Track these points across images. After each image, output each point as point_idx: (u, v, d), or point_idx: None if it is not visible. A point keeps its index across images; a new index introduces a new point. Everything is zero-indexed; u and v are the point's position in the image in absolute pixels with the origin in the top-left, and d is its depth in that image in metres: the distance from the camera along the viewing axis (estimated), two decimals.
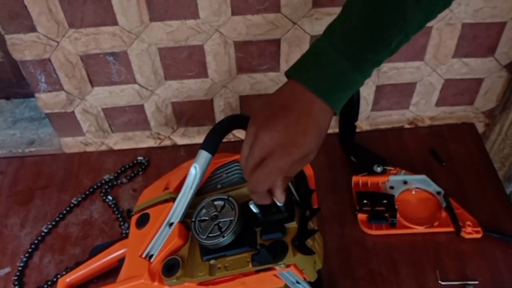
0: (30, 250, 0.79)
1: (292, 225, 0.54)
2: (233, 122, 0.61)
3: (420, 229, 0.76)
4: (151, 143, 0.95)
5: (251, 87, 0.86)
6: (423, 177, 0.81)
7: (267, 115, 0.50)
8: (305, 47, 0.80)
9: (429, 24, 0.78)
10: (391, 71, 0.85)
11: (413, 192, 0.81)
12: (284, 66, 0.82)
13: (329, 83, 0.50)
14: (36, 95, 0.84)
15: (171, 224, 0.60)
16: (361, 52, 0.50)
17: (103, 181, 0.88)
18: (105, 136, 0.93)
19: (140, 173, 0.89)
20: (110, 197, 0.85)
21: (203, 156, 0.58)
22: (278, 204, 0.53)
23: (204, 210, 0.59)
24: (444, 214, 0.77)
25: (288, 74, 0.52)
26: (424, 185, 0.81)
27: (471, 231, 0.75)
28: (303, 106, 0.49)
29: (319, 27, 0.77)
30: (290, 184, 0.55)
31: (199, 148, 0.59)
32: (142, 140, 0.94)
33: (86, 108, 0.87)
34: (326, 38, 0.51)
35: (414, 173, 0.82)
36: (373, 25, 0.50)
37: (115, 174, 0.89)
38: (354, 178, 0.82)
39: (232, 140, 0.92)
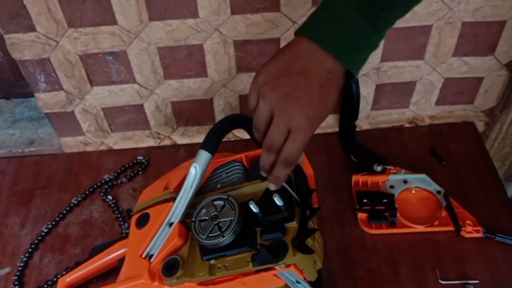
0: (30, 250, 0.79)
1: (292, 225, 0.54)
2: (233, 121, 0.61)
3: (420, 228, 0.76)
4: (151, 142, 0.95)
5: None
6: (423, 176, 0.81)
7: (287, 82, 0.48)
8: None
9: (429, 23, 0.78)
10: (391, 70, 0.85)
11: (413, 191, 0.81)
12: None
13: (348, 45, 0.48)
14: (36, 94, 0.84)
15: (171, 224, 0.60)
16: (376, 9, 0.48)
17: (103, 181, 0.88)
18: (105, 136, 0.93)
19: (140, 172, 0.89)
20: (110, 197, 0.85)
21: (203, 155, 0.58)
22: (287, 187, 0.53)
23: (204, 210, 0.59)
24: (444, 213, 0.77)
25: (301, 32, 0.49)
26: (424, 184, 0.81)
27: (471, 230, 0.75)
28: (323, 73, 0.48)
29: None
30: (289, 184, 0.55)
31: (199, 148, 0.59)
32: (142, 140, 0.94)
33: (86, 107, 0.87)
34: None
35: (414, 172, 0.82)
36: None
37: (115, 174, 0.89)
38: (354, 178, 0.82)
39: (232, 139, 0.92)
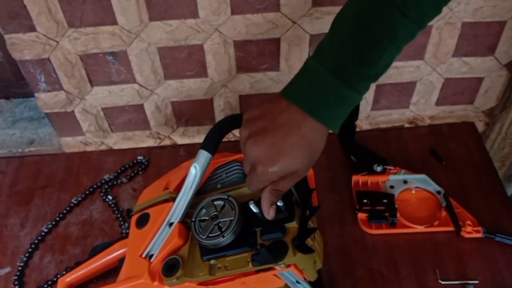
0: (30, 250, 0.79)
1: (292, 225, 0.54)
2: (233, 121, 0.61)
3: (420, 228, 0.76)
4: (151, 142, 0.95)
5: (251, 86, 0.86)
6: (423, 176, 0.81)
7: (258, 127, 0.51)
8: (305, 46, 0.80)
9: (429, 23, 0.78)
10: (391, 70, 0.85)
11: (413, 192, 0.81)
12: (284, 65, 0.82)
13: (319, 100, 0.49)
14: (36, 94, 0.84)
15: (171, 224, 0.60)
16: (350, 67, 0.49)
17: (103, 181, 0.88)
18: (105, 136, 0.93)
19: (140, 172, 0.89)
20: (110, 197, 0.85)
21: (203, 156, 0.58)
22: (267, 216, 0.53)
23: (204, 210, 0.59)
24: (444, 213, 0.77)
25: (280, 94, 0.52)
26: (424, 185, 0.81)
27: (471, 231, 0.75)
28: (293, 124, 0.49)
29: (319, 26, 0.77)
30: None
31: (199, 148, 0.59)
32: (142, 140, 0.94)
33: (86, 107, 0.87)
34: (315, 56, 0.51)
35: (414, 173, 0.82)
36: (361, 40, 0.50)
37: (115, 174, 0.89)
38: (354, 178, 0.82)
39: (232, 139, 0.92)
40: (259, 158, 0.50)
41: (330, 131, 0.51)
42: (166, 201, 0.63)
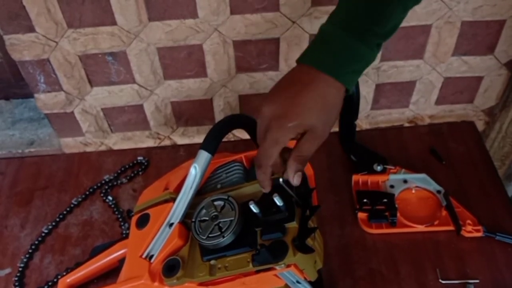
0: (30, 250, 0.79)
1: (292, 225, 0.54)
2: (232, 121, 0.61)
3: (420, 228, 0.76)
4: (150, 143, 0.95)
5: (250, 86, 0.86)
6: (423, 175, 0.81)
7: (273, 91, 0.52)
8: (305, 45, 0.79)
9: (428, 22, 0.78)
10: (391, 69, 0.85)
11: (413, 191, 0.81)
12: (284, 65, 0.82)
13: (329, 55, 0.51)
14: (35, 95, 0.84)
15: (171, 225, 0.60)
16: (360, 23, 0.51)
17: (103, 181, 0.88)
18: (105, 136, 0.93)
19: (140, 173, 0.89)
20: (110, 197, 0.85)
21: (203, 156, 0.58)
22: (293, 183, 0.52)
23: (204, 210, 0.59)
24: (444, 212, 0.77)
25: (296, 60, 0.53)
26: (424, 184, 0.81)
27: (471, 230, 0.75)
28: (306, 81, 0.50)
29: (318, 26, 0.76)
30: (289, 184, 0.55)
31: (199, 148, 0.59)
32: (142, 140, 0.94)
33: (86, 108, 0.87)
34: (326, 21, 0.53)
35: (414, 172, 0.82)
36: None
37: (115, 174, 0.89)
38: (354, 177, 0.82)
39: (232, 140, 0.92)
40: (275, 114, 0.50)
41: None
42: (166, 201, 0.63)
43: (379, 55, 0.82)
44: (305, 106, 0.50)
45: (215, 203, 0.58)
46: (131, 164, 0.90)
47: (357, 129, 0.88)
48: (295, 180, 0.53)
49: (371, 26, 0.51)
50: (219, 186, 0.63)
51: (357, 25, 0.51)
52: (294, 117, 0.50)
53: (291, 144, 0.53)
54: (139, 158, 0.91)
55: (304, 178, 0.61)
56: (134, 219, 0.65)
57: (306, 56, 0.53)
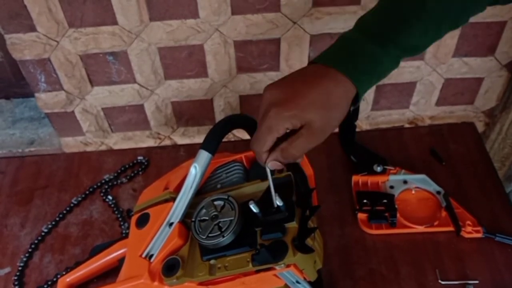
0: (30, 250, 0.79)
1: (292, 225, 0.54)
2: (233, 121, 0.61)
3: (420, 228, 0.76)
4: (151, 142, 0.95)
5: (251, 86, 0.86)
6: (423, 176, 0.81)
7: (279, 80, 0.51)
8: (305, 46, 0.80)
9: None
10: None
11: (413, 192, 0.81)
12: (284, 65, 0.82)
13: (348, 56, 0.49)
14: (36, 95, 0.84)
15: (171, 224, 0.60)
16: (378, 27, 0.50)
17: (103, 181, 0.88)
18: (105, 136, 0.93)
19: (140, 173, 0.89)
20: (110, 197, 0.85)
21: (203, 156, 0.58)
22: (261, 162, 0.51)
23: (204, 210, 0.59)
24: (444, 213, 0.77)
25: (309, 61, 0.53)
26: (424, 185, 0.81)
27: (471, 231, 0.75)
28: (316, 75, 0.49)
29: (319, 26, 0.77)
30: (289, 185, 0.55)
31: (199, 148, 0.59)
32: (142, 140, 0.94)
33: (86, 107, 0.87)
34: (349, 30, 0.52)
35: (414, 173, 0.82)
36: (394, 7, 0.51)
37: (115, 174, 0.89)
38: (354, 178, 0.82)
39: (232, 140, 0.92)
40: (276, 99, 0.48)
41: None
42: (166, 201, 0.63)
43: None
44: (307, 98, 0.47)
45: (215, 203, 0.58)
46: (131, 164, 0.90)
47: (357, 129, 0.88)
48: (267, 161, 0.50)
49: (393, 36, 0.50)
50: (219, 186, 0.63)
51: (375, 28, 0.50)
52: (293, 106, 0.47)
53: None
54: (139, 158, 0.91)
55: (304, 178, 0.61)
56: (134, 219, 0.65)
57: (320, 56, 0.51)
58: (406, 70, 0.85)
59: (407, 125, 0.95)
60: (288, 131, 0.49)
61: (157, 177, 0.70)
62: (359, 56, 0.49)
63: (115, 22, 0.74)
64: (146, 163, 0.90)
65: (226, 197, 0.58)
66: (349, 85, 0.49)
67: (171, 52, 0.79)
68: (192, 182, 0.59)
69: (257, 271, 0.54)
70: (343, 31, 0.77)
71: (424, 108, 0.92)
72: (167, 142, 0.95)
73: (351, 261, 0.74)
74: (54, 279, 0.75)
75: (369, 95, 0.89)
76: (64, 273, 0.73)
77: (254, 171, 0.63)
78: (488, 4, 0.54)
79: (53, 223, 0.82)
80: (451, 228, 0.76)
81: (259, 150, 0.51)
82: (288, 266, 0.52)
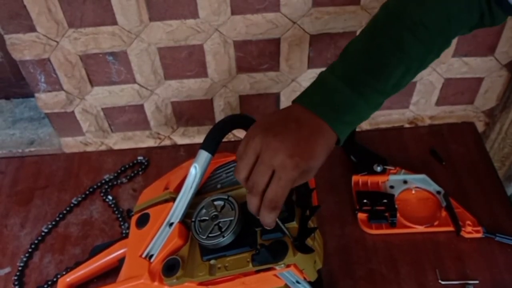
0: (30, 250, 0.79)
1: (292, 225, 0.54)
2: (233, 121, 0.61)
3: (420, 228, 0.76)
4: (151, 143, 0.95)
5: (251, 86, 0.86)
6: (423, 176, 0.81)
7: (280, 125, 0.50)
8: (305, 46, 0.80)
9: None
10: None
11: (413, 192, 0.81)
12: (284, 65, 0.82)
13: (331, 106, 0.51)
14: (36, 95, 0.84)
15: (171, 224, 0.60)
16: (359, 76, 0.51)
17: (103, 181, 0.88)
18: (105, 136, 0.93)
19: (140, 173, 0.89)
20: (110, 197, 0.85)
21: (203, 156, 0.58)
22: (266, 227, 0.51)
23: (204, 210, 0.59)
24: (444, 213, 0.77)
25: (293, 101, 0.53)
26: (424, 185, 0.81)
27: (471, 231, 0.75)
28: (314, 125, 0.50)
29: (318, 26, 0.77)
30: None
31: (199, 148, 0.59)
32: (142, 140, 0.94)
33: (86, 108, 0.87)
34: (328, 68, 0.53)
35: (414, 173, 0.82)
36: (371, 52, 0.52)
37: (115, 174, 0.89)
38: (354, 178, 0.82)
39: (232, 140, 0.92)
40: (287, 155, 0.47)
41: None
42: (166, 201, 0.63)
43: None
44: (315, 151, 0.49)
45: (215, 203, 0.58)
46: (131, 164, 0.90)
47: (357, 129, 0.88)
48: (268, 223, 0.50)
49: (370, 80, 0.51)
50: (219, 186, 0.63)
51: (355, 76, 0.51)
52: (308, 161, 0.48)
53: None
54: (139, 158, 0.91)
55: None
56: (134, 219, 0.65)
57: (304, 97, 0.52)
58: None
59: (407, 125, 0.95)
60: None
61: (157, 177, 0.70)
62: (343, 106, 0.51)
63: (115, 22, 0.74)
64: (146, 163, 0.90)
65: (226, 197, 0.58)
66: (331, 134, 0.51)
67: (171, 52, 0.79)
68: (192, 182, 0.59)
69: (257, 271, 0.54)
70: (343, 31, 0.78)
71: (424, 108, 0.92)
72: (167, 142, 0.95)
73: (351, 261, 0.74)
74: (54, 279, 0.75)
75: None
76: (64, 273, 0.73)
77: None
78: (470, 30, 0.56)
79: (53, 223, 0.82)
80: (451, 228, 0.76)
81: (279, 204, 0.50)
82: (288, 266, 0.52)
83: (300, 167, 0.48)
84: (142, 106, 0.88)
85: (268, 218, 0.50)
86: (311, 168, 0.50)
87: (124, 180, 0.88)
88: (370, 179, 0.82)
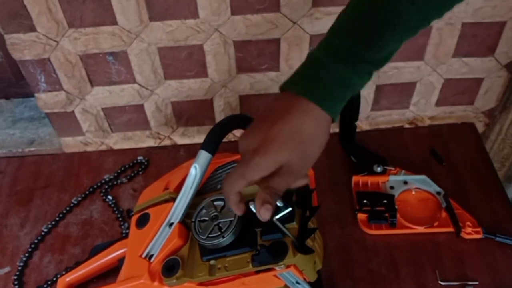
0: (30, 249, 0.79)
1: (292, 226, 0.54)
2: (233, 122, 0.61)
3: (420, 229, 0.76)
4: (151, 142, 0.95)
5: (251, 86, 0.86)
6: (423, 177, 0.81)
7: (253, 123, 0.49)
8: (305, 46, 0.80)
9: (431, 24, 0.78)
10: (391, 70, 0.85)
11: (413, 192, 0.81)
12: (284, 65, 0.82)
13: (312, 80, 0.47)
14: (36, 95, 0.84)
15: (171, 224, 0.60)
16: (352, 49, 0.48)
17: (103, 181, 0.88)
18: (105, 136, 0.93)
19: (140, 173, 0.89)
20: (110, 197, 0.85)
21: (203, 156, 0.58)
22: (260, 216, 0.49)
23: (204, 211, 0.59)
24: (444, 214, 0.77)
25: (280, 87, 0.51)
26: (424, 185, 0.81)
27: (471, 232, 0.75)
28: (284, 109, 0.47)
29: (319, 27, 0.77)
30: None
31: (199, 148, 0.59)
32: (142, 140, 0.94)
33: (86, 107, 0.87)
34: (316, 47, 0.50)
35: (414, 173, 0.82)
36: (366, 21, 0.48)
37: (115, 174, 0.89)
38: (354, 178, 0.82)
39: (232, 140, 0.92)
40: (247, 147, 0.46)
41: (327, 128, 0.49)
42: (166, 201, 0.63)
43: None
44: (278, 141, 0.46)
45: (215, 203, 0.58)
46: (131, 164, 0.90)
47: (357, 130, 0.88)
48: (262, 214, 0.47)
49: (363, 53, 0.48)
50: (219, 186, 0.63)
51: (348, 51, 0.48)
52: (263, 153, 0.46)
53: None
54: (139, 158, 0.91)
55: None
56: (134, 219, 0.65)
57: (288, 82, 0.49)
58: (406, 70, 0.85)
59: (407, 125, 0.95)
60: (265, 176, 0.48)
61: (157, 177, 0.70)
62: (330, 82, 0.47)
63: (114, 22, 0.74)
64: (146, 163, 0.90)
65: None
66: (321, 114, 0.47)
67: (171, 52, 0.79)
68: (192, 183, 0.60)
69: (257, 272, 0.54)
70: None
71: (424, 108, 0.92)
72: (167, 142, 0.95)
73: (351, 261, 0.74)
74: (54, 279, 0.75)
75: (369, 95, 0.89)
76: (64, 273, 0.73)
77: None
78: None
79: (53, 223, 0.82)
80: (451, 229, 0.76)
81: (227, 195, 0.50)
82: (288, 266, 0.52)
83: (254, 161, 0.46)
84: (142, 106, 0.88)
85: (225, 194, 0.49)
86: (308, 156, 0.47)
87: (124, 180, 0.88)
88: (370, 179, 0.82)
